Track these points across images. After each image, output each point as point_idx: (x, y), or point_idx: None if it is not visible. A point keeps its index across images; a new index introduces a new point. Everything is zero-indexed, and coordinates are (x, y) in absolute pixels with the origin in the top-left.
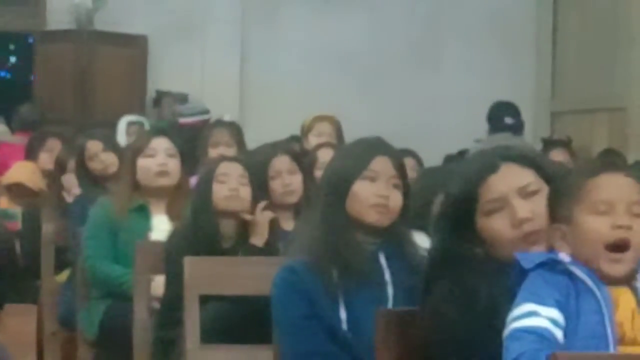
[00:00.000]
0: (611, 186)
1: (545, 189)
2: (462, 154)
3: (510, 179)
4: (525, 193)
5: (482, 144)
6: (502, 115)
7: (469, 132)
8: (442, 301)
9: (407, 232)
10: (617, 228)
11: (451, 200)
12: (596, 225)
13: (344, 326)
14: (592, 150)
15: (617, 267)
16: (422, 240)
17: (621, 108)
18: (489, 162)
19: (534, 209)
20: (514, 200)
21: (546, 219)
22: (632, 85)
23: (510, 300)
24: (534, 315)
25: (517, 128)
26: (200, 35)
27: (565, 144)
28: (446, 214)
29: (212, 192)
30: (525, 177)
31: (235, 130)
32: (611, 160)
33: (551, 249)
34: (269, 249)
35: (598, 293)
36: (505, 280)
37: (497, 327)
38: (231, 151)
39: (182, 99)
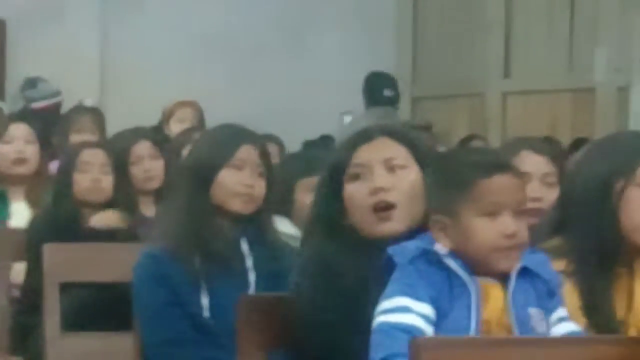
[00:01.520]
0: (502, 189)
1: (414, 168)
2: (324, 139)
3: (378, 150)
4: (391, 166)
5: (360, 117)
6: (381, 88)
7: (329, 116)
8: (305, 280)
9: (270, 218)
10: (506, 237)
11: (327, 168)
12: (485, 231)
13: (206, 313)
14: (452, 136)
15: (508, 263)
16: (284, 226)
17: (480, 93)
18: (365, 133)
19: (394, 181)
20: (376, 169)
21: (406, 196)
22: (489, 70)
23: (380, 283)
24: (407, 311)
25: (396, 100)
26: (61, 18)
27: (426, 129)
28: (321, 183)
29: (73, 182)
30: (395, 151)
31: (98, 116)
32: (502, 160)
33: (410, 228)
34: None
35: (471, 287)
36: (375, 261)
37: (365, 312)
38: (93, 137)
39: (32, 83)
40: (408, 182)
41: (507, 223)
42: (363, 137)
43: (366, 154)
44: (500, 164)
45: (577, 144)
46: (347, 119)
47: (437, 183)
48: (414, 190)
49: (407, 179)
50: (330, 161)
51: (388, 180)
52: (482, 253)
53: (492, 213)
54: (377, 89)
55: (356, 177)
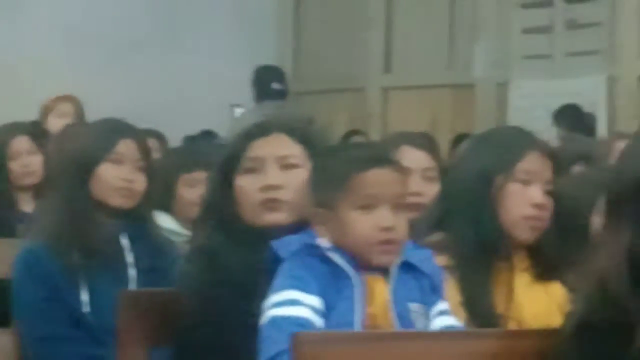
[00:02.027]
0: (379, 182)
1: (307, 168)
2: (205, 134)
3: (274, 146)
4: (284, 164)
5: (251, 111)
6: (270, 81)
7: (212, 112)
8: (192, 271)
9: (150, 213)
10: (382, 230)
11: (221, 158)
12: (361, 225)
13: (86, 309)
14: (333, 131)
15: (386, 257)
16: (165, 222)
17: (361, 88)
18: (262, 127)
19: (286, 179)
20: (270, 166)
21: (296, 195)
22: (370, 66)
23: (267, 277)
24: (297, 304)
25: (284, 94)
26: None
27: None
28: (214, 173)
29: None
30: (290, 149)
31: None
32: (381, 154)
33: (298, 223)
34: None
35: (355, 281)
36: (263, 254)
37: (252, 305)
38: None
39: None
40: (300, 181)
41: (384, 216)
42: (259, 130)
43: (261, 148)
44: (377, 157)
45: (460, 139)
46: (238, 111)
47: (317, 177)
48: (305, 190)
49: (299, 178)
50: (224, 151)
51: (280, 178)
52: (359, 246)
53: (368, 206)
54: (266, 82)
55: (249, 170)
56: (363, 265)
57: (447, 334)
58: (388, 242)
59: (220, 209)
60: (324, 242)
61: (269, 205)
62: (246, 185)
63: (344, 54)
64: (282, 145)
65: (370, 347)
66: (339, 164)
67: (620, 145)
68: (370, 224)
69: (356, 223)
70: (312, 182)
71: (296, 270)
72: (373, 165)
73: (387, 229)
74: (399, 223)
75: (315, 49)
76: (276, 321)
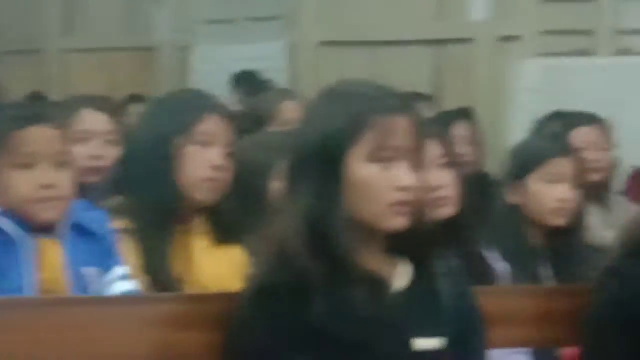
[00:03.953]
0: (36, 140)
1: None
2: None
3: None
4: None
5: None
6: None
7: None
8: None
9: None
10: (43, 188)
11: None
12: (20, 184)
13: None
14: (14, 94)
15: (49, 213)
16: None
17: (40, 50)
18: None
19: None
20: None
21: None
22: (49, 27)
23: None
24: None
25: None
26: None
27: None
28: None
29: None
30: None
31: None
32: (37, 112)
33: None
34: None
35: (20, 245)
36: None
37: None
38: None
39: None
40: None
41: (44, 174)
42: None
43: None
44: (34, 116)
45: (132, 100)
46: None
47: None
48: None
49: None
50: None
51: None
52: (21, 206)
53: (28, 165)
54: None
55: None
56: (34, 227)
57: (125, 298)
58: (49, 199)
59: None
60: None
61: None
62: None
63: (21, 15)
64: None
65: (45, 313)
66: None
67: (287, 105)
68: (30, 182)
69: (16, 182)
70: None
71: None
72: (30, 123)
73: (47, 187)
74: (61, 180)
75: None
76: None
